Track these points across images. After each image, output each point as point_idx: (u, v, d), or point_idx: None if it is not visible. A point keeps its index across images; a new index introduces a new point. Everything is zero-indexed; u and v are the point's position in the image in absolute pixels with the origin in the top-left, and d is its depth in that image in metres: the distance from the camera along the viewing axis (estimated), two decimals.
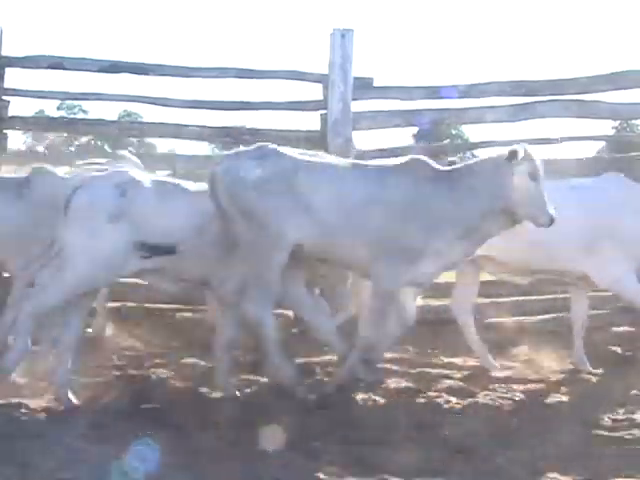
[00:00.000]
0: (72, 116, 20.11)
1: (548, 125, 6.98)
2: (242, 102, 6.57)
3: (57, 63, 6.46)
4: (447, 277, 7.04)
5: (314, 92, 6.42)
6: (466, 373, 5.23)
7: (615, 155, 6.85)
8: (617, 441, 3.96)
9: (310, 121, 6.61)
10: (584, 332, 5.44)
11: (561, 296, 6.48)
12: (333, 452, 3.70)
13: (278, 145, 4.59)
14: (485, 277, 6.88)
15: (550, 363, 5.54)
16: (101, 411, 4.28)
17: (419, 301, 6.75)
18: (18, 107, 6.56)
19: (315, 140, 6.46)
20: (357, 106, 6.38)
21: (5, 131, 6.44)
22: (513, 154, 4.36)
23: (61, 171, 5.10)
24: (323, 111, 6.35)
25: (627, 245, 5.16)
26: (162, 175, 5.64)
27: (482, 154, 5.28)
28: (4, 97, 6.36)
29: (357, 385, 4.88)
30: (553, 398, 4.68)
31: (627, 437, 4.03)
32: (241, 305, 4.47)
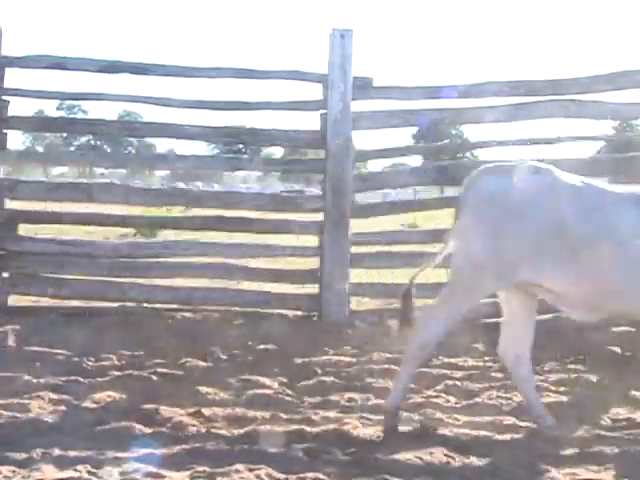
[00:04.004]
0: (72, 116, 20.16)
1: (548, 125, 6.99)
2: (242, 102, 6.57)
3: (57, 63, 6.46)
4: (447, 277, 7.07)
5: (314, 92, 6.43)
6: (466, 373, 5.22)
7: (615, 155, 6.84)
8: (617, 441, 3.96)
9: (310, 121, 6.62)
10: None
11: None
12: (333, 452, 3.71)
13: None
14: None
15: (550, 363, 5.54)
16: (101, 411, 4.28)
17: (419, 301, 6.79)
18: (18, 107, 6.58)
19: (315, 140, 6.48)
20: (357, 106, 6.40)
21: (5, 131, 6.45)
22: None
23: None
24: (323, 111, 6.36)
25: None
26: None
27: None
28: (4, 97, 6.36)
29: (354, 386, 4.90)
30: (553, 398, 4.68)
31: (627, 437, 4.04)
32: None
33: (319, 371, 5.20)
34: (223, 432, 3.99)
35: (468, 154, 36.88)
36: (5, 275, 6.42)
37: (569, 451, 3.81)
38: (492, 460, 3.66)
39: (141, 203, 6.84)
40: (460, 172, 6.83)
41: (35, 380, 4.76)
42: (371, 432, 3.99)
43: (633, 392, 4.73)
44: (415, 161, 25.97)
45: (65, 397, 4.47)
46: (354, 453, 3.70)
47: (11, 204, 6.58)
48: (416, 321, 4.13)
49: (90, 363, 5.28)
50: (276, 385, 4.87)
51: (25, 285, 6.46)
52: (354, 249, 6.40)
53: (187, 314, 6.40)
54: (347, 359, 5.52)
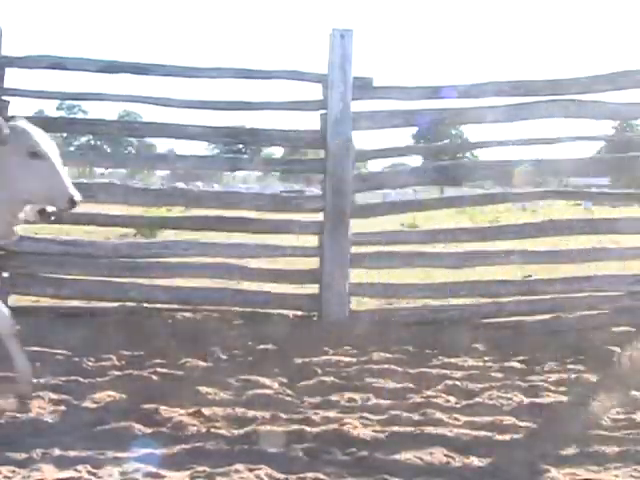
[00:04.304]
0: (72, 116, 20.15)
1: (548, 125, 7.00)
2: (242, 102, 6.56)
3: (57, 63, 6.46)
4: (446, 277, 7.08)
5: (314, 92, 6.43)
6: (466, 373, 5.23)
7: (615, 155, 6.84)
8: (617, 441, 3.96)
9: (310, 121, 6.61)
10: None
11: (562, 296, 6.50)
12: (333, 452, 3.71)
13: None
14: (484, 276, 6.91)
15: (550, 363, 5.54)
16: (101, 411, 4.28)
17: (419, 301, 6.80)
18: (18, 107, 6.56)
19: (315, 140, 6.47)
20: (357, 106, 6.40)
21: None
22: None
23: None
24: (323, 111, 6.36)
25: None
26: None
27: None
28: (4, 97, 6.36)
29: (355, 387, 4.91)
30: (553, 398, 4.68)
31: (627, 437, 4.04)
32: None
33: (319, 371, 5.20)
34: (223, 432, 3.99)
35: (468, 154, 37.04)
36: (5, 275, 6.42)
37: (569, 451, 3.82)
38: (492, 460, 3.67)
39: (141, 203, 6.83)
40: (460, 172, 6.85)
41: (35, 380, 4.76)
42: (371, 432, 3.99)
43: (633, 392, 4.73)
44: (415, 161, 26.03)
45: (65, 397, 4.47)
46: (354, 453, 3.70)
47: None
48: None
49: (90, 363, 5.28)
50: (276, 385, 4.87)
51: (25, 285, 6.45)
52: (354, 249, 6.40)
53: (187, 314, 6.40)
54: (347, 359, 5.53)
